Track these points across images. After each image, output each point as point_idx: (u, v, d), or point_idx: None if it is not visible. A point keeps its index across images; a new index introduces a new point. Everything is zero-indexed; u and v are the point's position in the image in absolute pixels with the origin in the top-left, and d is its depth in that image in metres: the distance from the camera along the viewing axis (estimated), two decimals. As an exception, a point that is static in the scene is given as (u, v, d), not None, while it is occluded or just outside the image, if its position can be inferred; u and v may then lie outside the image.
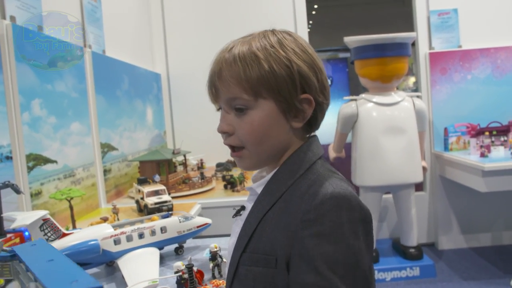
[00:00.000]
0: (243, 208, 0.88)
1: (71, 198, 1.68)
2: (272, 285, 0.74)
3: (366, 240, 0.72)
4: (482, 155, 2.93)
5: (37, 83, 1.71)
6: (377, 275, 3.05)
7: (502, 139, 3.14)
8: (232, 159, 3.27)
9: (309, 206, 0.72)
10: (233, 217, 0.91)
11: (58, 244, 1.12)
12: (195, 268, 1.04)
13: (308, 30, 3.72)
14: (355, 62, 3.21)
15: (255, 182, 0.86)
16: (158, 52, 3.55)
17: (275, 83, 0.76)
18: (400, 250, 3.24)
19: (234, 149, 0.83)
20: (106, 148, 2.30)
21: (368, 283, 0.71)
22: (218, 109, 0.87)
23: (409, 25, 3.72)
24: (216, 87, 0.81)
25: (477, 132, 3.17)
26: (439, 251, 3.56)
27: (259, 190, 0.83)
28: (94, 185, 2.13)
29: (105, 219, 1.70)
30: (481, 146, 3.00)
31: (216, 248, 1.13)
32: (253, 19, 3.56)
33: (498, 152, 2.97)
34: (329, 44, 6.24)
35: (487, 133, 3.14)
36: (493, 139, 3.13)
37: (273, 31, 0.82)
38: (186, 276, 1.02)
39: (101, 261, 1.20)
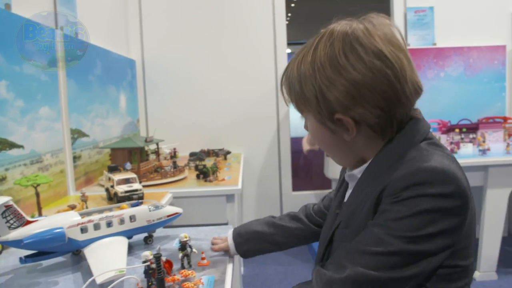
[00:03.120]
0: (341, 204, 0.96)
1: (38, 185, 1.63)
2: None
3: (447, 218, 0.73)
4: (452, 151, 2.99)
5: (4, 64, 1.64)
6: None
7: (471, 136, 3.22)
8: (206, 148, 3.27)
9: (400, 175, 0.76)
10: (336, 211, 0.96)
11: (21, 231, 1.08)
12: (163, 258, 1.02)
13: (287, 22, 3.70)
14: (332, 56, 3.22)
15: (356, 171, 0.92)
16: (133, 38, 3.47)
17: (305, 102, 0.85)
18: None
19: None
20: (77, 134, 2.24)
21: (422, 261, 0.74)
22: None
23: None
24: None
25: (448, 129, 3.24)
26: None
27: (359, 175, 0.90)
28: (62, 171, 2.07)
29: (72, 207, 1.66)
30: (451, 143, 3.07)
31: (186, 237, 1.11)
32: (230, 8, 3.53)
33: (467, 149, 3.04)
34: (307, 37, 6.26)
35: (457, 130, 3.22)
36: (462, 136, 3.21)
37: (332, 40, 0.83)
38: (154, 265, 1.00)
39: (67, 250, 1.16)
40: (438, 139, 3.25)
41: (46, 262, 1.21)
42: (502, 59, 3.63)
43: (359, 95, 0.79)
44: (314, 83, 0.81)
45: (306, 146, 3.35)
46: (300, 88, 0.84)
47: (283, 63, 3.58)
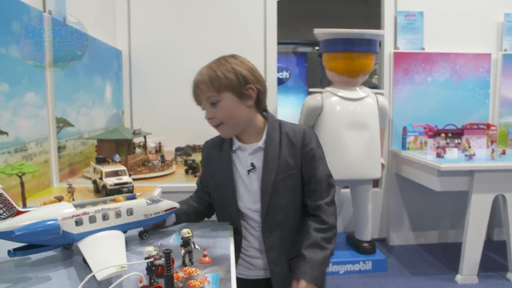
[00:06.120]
0: (253, 165, 1.39)
1: (23, 174, 1.54)
2: (296, 187, 1.39)
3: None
4: (438, 155, 3.02)
5: (-10, 45, 1.55)
6: (331, 268, 3.08)
7: (456, 141, 3.25)
8: (191, 144, 3.20)
9: (303, 136, 1.39)
10: (249, 172, 1.39)
11: (12, 222, 1.00)
12: (165, 254, 0.96)
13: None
14: (323, 55, 3.20)
15: (249, 145, 1.41)
16: (120, 28, 3.37)
17: (228, 82, 1.31)
18: (354, 244, 3.29)
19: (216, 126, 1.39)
20: (62, 123, 2.14)
21: None
22: (202, 109, 1.39)
23: (370, 24, 3.74)
24: (198, 94, 1.35)
25: (434, 133, 3.27)
26: (390, 246, 3.66)
27: (262, 144, 1.39)
28: (47, 161, 1.97)
29: (60, 199, 1.58)
30: (438, 147, 3.09)
31: (188, 233, 1.06)
32: (221, 1, 3.47)
33: (452, 153, 3.07)
34: (289, 38, 6.20)
35: (443, 134, 3.25)
36: (448, 141, 3.24)
37: (222, 58, 1.37)
38: (157, 262, 0.94)
39: (60, 243, 1.09)
40: (424, 143, 3.24)
41: (34, 256, 1.13)
42: (487, 67, 3.69)
43: (253, 76, 1.34)
44: (235, 71, 1.31)
45: None
46: (224, 76, 1.30)
47: (272, 59, 3.54)
